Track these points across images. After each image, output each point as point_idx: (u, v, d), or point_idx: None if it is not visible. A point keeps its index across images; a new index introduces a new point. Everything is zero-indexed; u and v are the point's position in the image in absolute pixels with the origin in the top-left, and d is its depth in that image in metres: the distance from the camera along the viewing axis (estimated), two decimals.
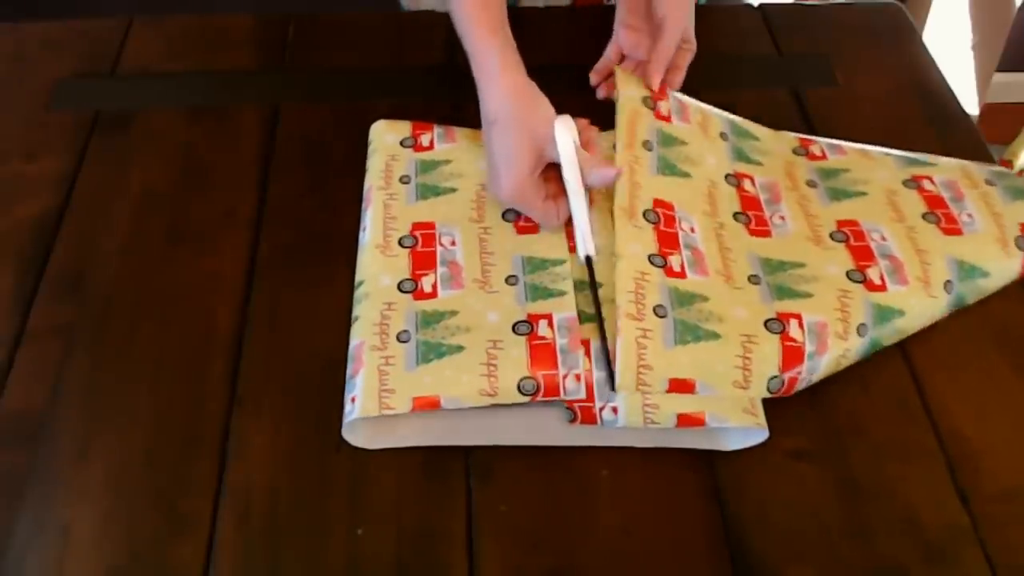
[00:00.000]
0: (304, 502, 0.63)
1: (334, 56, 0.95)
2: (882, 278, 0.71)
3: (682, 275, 0.70)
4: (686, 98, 0.84)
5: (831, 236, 0.74)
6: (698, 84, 0.93)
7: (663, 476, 0.64)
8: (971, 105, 1.95)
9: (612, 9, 0.98)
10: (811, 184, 0.79)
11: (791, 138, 0.85)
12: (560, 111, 0.74)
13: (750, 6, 1.04)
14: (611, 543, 0.61)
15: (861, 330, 0.68)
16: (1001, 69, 1.99)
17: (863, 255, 0.73)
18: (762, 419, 0.65)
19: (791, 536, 0.62)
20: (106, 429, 0.66)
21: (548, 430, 0.67)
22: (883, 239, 0.74)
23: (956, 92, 0.93)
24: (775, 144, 0.84)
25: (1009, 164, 1.91)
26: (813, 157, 0.83)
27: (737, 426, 0.65)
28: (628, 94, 0.81)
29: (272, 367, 0.69)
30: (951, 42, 1.88)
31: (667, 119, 0.81)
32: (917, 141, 0.88)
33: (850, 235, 0.74)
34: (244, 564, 0.60)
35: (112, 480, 0.63)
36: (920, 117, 0.90)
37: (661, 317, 0.67)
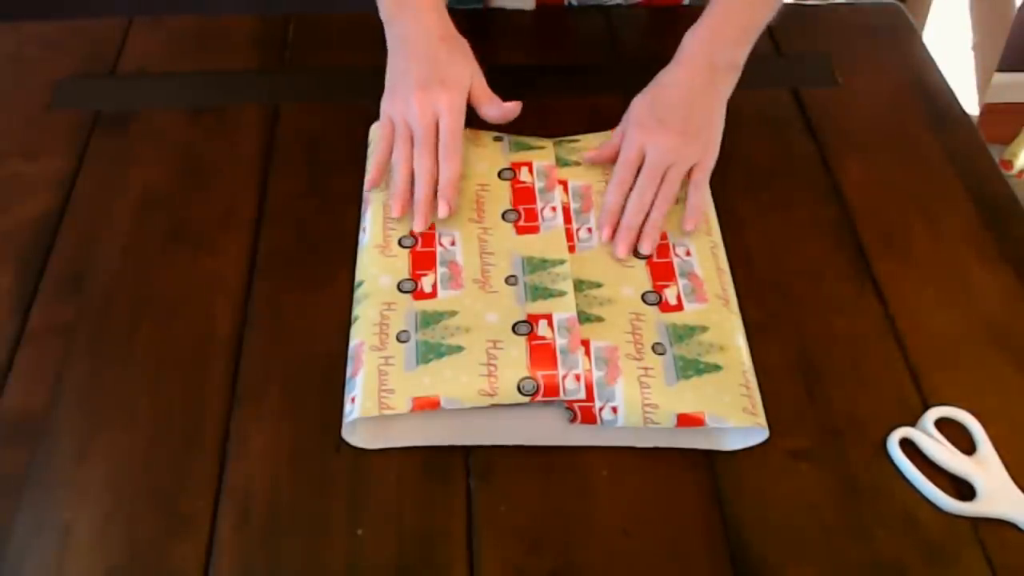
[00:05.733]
0: (304, 502, 0.63)
1: (334, 56, 0.95)
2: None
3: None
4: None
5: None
6: None
7: (663, 476, 0.64)
8: (971, 105, 1.95)
9: (576, 10, 0.96)
10: None
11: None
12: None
13: None
14: (611, 543, 0.61)
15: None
16: (1001, 69, 1.99)
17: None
18: (762, 419, 0.65)
19: (791, 536, 0.62)
20: (106, 429, 0.66)
21: (548, 430, 0.67)
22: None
23: (956, 92, 0.93)
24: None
25: (1009, 164, 1.91)
26: None
27: (737, 426, 0.65)
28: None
29: (272, 367, 0.70)
30: (951, 42, 1.87)
31: None
32: (917, 141, 0.88)
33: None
34: (244, 564, 0.60)
35: (112, 480, 0.63)
36: (920, 117, 0.90)
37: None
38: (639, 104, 0.80)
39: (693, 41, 0.80)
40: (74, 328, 0.72)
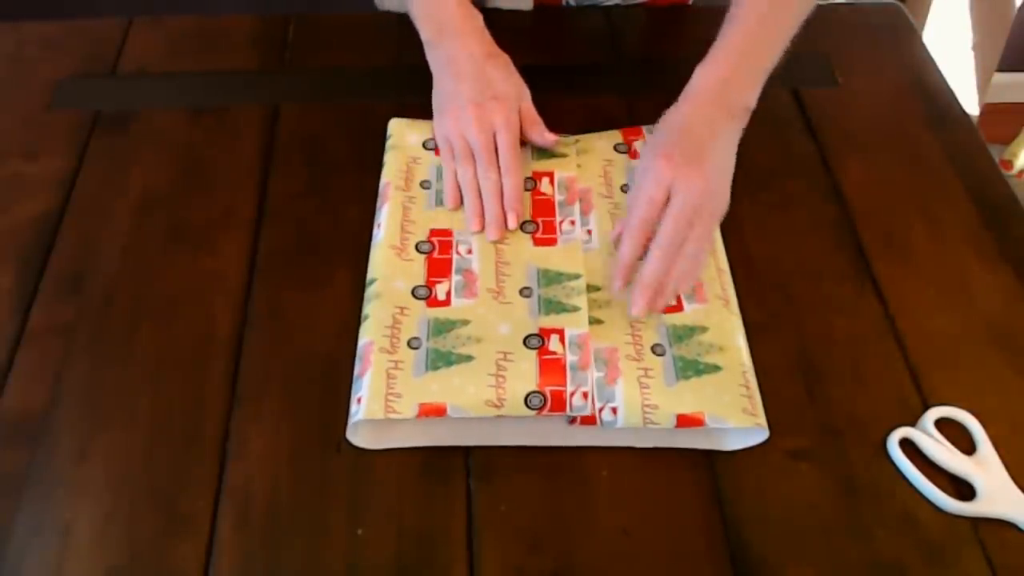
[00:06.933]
0: (304, 502, 0.63)
1: (334, 56, 0.95)
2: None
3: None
4: None
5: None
6: None
7: (663, 476, 0.64)
8: (971, 105, 1.95)
9: (573, 10, 0.96)
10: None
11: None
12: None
13: None
14: (611, 544, 0.61)
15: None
16: (1001, 69, 1.99)
17: None
18: (762, 419, 0.65)
19: (791, 536, 0.62)
20: (106, 429, 0.66)
21: (548, 431, 0.67)
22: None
23: (956, 92, 0.93)
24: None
25: (1009, 164, 1.91)
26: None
27: (737, 427, 0.65)
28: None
29: (272, 367, 0.69)
30: (951, 42, 1.87)
31: None
32: (917, 141, 0.88)
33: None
34: (244, 564, 0.60)
35: (112, 480, 0.63)
36: (920, 117, 0.90)
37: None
38: (664, 139, 0.72)
39: (711, 79, 0.74)
40: (74, 328, 0.72)
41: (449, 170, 0.78)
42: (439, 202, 0.78)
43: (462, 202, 0.77)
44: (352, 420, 0.65)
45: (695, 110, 0.73)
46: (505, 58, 0.81)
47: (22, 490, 0.63)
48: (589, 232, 0.76)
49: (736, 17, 0.76)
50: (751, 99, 0.75)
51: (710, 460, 0.65)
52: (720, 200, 0.71)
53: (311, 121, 0.88)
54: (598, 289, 0.72)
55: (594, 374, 0.66)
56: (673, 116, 0.74)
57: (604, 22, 0.99)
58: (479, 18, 0.82)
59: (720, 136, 0.73)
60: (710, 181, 0.70)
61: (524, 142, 0.82)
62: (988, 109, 1.98)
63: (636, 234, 0.68)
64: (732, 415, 0.65)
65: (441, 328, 0.69)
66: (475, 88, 0.78)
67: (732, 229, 0.78)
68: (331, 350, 0.70)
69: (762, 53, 0.76)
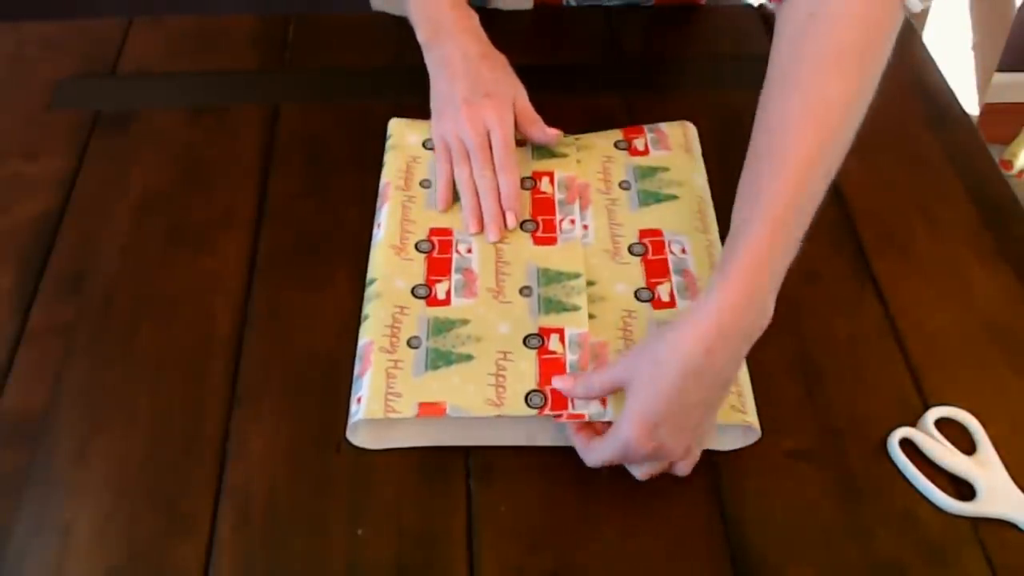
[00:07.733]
0: (304, 502, 0.63)
1: (334, 56, 0.95)
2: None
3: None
4: None
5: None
6: (698, 85, 0.93)
7: (663, 476, 0.64)
8: (971, 105, 1.95)
9: (574, 10, 0.96)
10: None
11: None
12: None
13: (750, 6, 1.04)
14: (611, 543, 0.61)
15: None
16: (1001, 69, 1.99)
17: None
18: (751, 417, 0.65)
19: (791, 536, 0.62)
20: (106, 429, 0.66)
21: (548, 431, 0.66)
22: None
23: (956, 92, 0.93)
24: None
25: (1009, 164, 1.91)
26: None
27: (724, 423, 0.64)
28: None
29: (272, 367, 0.69)
30: (951, 42, 1.87)
31: None
32: (917, 141, 0.88)
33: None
34: (244, 564, 0.60)
35: (112, 480, 0.63)
36: (920, 117, 0.90)
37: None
38: (652, 393, 0.58)
39: (730, 302, 0.57)
40: (74, 328, 0.72)
41: (442, 171, 0.78)
42: None
43: (453, 202, 0.77)
44: (352, 420, 0.65)
45: (705, 347, 0.57)
46: (501, 58, 0.81)
47: (22, 490, 0.63)
48: (585, 227, 0.76)
49: (758, 217, 0.60)
50: (769, 312, 0.60)
51: (710, 460, 0.65)
52: (705, 436, 0.63)
53: (311, 121, 0.88)
54: (592, 284, 0.72)
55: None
56: (671, 355, 0.58)
57: (604, 22, 0.99)
58: (475, 18, 0.82)
59: (727, 378, 0.60)
60: (697, 437, 0.61)
61: (524, 142, 0.82)
62: (988, 109, 1.98)
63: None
64: (720, 412, 0.64)
65: (441, 327, 0.69)
66: (468, 87, 0.78)
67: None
68: (331, 350, 0.70)
69: (791, 244, 0.61)
